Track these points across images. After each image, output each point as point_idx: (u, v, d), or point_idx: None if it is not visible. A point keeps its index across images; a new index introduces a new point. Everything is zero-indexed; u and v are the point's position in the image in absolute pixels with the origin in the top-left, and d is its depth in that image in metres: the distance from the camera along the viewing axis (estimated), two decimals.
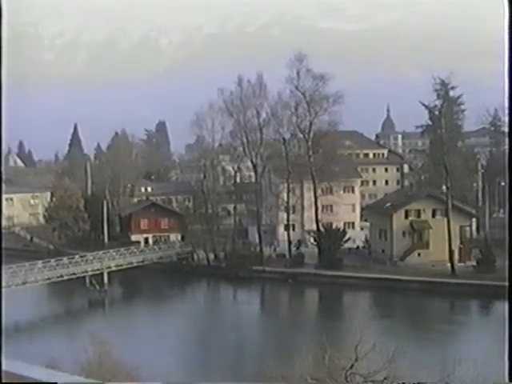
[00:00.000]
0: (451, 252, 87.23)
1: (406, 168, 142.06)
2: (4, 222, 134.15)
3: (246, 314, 79.30)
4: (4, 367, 6.16)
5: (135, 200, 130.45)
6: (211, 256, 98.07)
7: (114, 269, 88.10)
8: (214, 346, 62.87)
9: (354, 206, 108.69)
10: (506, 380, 13.35)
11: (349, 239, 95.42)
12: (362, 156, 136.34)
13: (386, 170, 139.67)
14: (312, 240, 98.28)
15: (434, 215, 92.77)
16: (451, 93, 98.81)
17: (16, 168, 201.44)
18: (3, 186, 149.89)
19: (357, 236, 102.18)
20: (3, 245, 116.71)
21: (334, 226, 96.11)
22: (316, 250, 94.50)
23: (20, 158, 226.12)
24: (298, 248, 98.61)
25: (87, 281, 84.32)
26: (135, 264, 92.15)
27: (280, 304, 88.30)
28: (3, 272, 71.94)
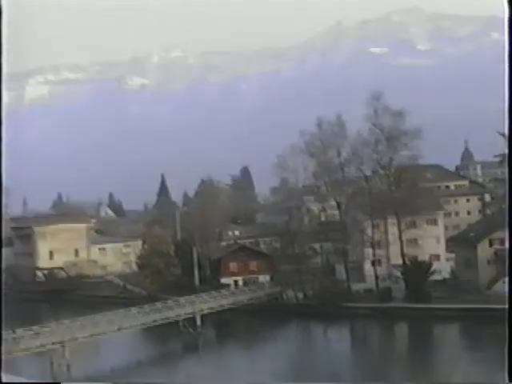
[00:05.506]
0: None
1: (487, 197, 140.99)
2: (98, 271, 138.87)
3: (338, 351, 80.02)
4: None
5: (224, 244, 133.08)
6: (300, 295, 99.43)
7: (206, 312, 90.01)
8: None
9: (438, 238, 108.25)
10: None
11: (434, 271, 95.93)
12: (443, 188, 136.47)
13: (468, 200, 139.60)
14: (399, 274, 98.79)
15: None
16: None
17: (107, 218, 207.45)
18: (96, 236, 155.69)
19: (443, 268, 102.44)
20: (100, 293, 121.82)
21: (419, 259, 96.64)
22: (403, 283, 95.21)
23: (111, 209, 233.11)
24: None
25: (180, 324, 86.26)
26: (226, 306, 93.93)
27: (371, 339, 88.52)
28: (101, 319, 75.28)
